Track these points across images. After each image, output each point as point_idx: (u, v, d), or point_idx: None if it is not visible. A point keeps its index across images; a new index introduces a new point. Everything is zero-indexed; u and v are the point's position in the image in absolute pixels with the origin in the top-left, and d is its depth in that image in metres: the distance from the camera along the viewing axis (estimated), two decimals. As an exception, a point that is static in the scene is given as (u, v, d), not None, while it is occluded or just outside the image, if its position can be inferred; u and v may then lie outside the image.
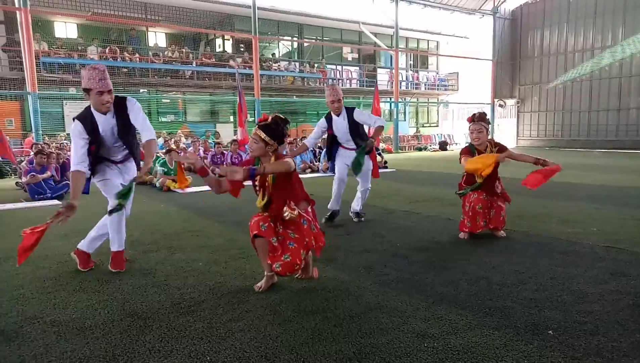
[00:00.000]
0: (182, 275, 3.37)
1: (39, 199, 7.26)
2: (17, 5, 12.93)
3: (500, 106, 25.01)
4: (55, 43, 16.37)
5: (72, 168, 3.25)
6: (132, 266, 3.62)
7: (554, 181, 8.47)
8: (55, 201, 7.14)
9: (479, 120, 4.18)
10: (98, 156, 3.45)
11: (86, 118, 3.32)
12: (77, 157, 3.26)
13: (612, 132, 21.02)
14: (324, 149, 12.20)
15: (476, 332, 2.35)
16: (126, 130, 3.42)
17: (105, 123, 3.36)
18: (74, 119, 3.34)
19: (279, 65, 20.83)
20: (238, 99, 12.87)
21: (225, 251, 4.01)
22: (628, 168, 11.22)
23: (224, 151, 11.57)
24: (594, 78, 20.98)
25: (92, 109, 3.33)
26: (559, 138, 23.08)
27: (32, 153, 8.96)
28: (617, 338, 2.24)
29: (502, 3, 24.07)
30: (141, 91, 17.78)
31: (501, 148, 4.22)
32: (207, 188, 8.55)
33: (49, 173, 7.63)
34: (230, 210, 6.10)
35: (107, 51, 16.43)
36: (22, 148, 13.30)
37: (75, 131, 3.30)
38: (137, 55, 17.27)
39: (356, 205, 5.33)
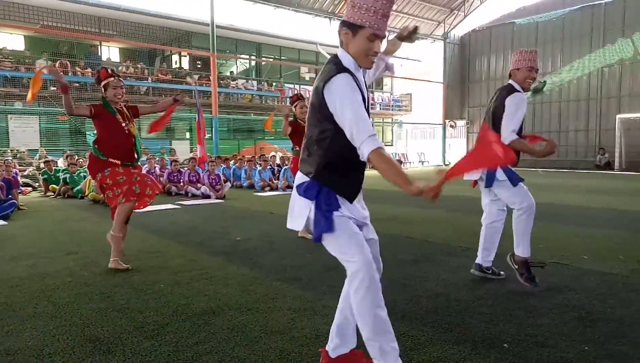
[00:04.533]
0: (144, 298, 3.30)
1: (-18, 220, 6.85)
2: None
3: (452, 126, 26.09)
4: (0, 54, 15.65)
5: (369, 141, 1.79)
6: (89, 289, 3.51)
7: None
8: (1, 221, 6.76)
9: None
10: (345, 154, 1.92)
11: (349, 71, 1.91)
12: (367, 123, 1.81)
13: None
14: (284, 168, 12.22)
15: (437, 348, 2.45)
16: None
17: (363, 88, 1.97)
18: (336, 74, 1.84)
19: (236, 83, 20.83)
20: (197, 117, 12.67)
21: (186, 272, 3.96)
22: (565, 187, 11.96)
23: (181, 169, 11.38)
24: (535, 102, 22.45)
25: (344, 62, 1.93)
26: (506, 158, 24.28)
27: (-27, 170, 8.44)
28: (564, 349, 2.42)
29: (452, 29, 25.34)
30: (93, 106, 17.23)
31: None
32: (163, 206, 8.40)
33: (-7, 192, 7.25)
34: (190, 230, 6.02)
35: (57, 64, 15.84)
36: (-40, 164, 12.47)
37: (349, 85, 1.84)
38: (89, 70, 16.78)
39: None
